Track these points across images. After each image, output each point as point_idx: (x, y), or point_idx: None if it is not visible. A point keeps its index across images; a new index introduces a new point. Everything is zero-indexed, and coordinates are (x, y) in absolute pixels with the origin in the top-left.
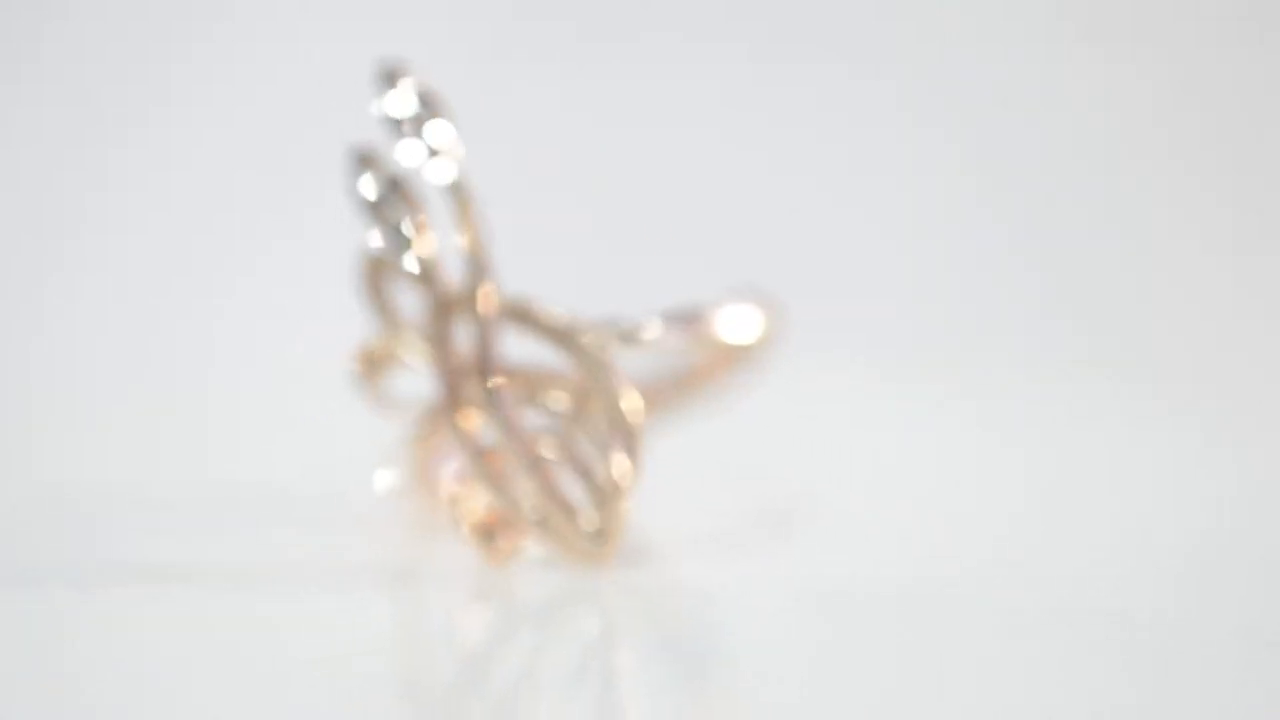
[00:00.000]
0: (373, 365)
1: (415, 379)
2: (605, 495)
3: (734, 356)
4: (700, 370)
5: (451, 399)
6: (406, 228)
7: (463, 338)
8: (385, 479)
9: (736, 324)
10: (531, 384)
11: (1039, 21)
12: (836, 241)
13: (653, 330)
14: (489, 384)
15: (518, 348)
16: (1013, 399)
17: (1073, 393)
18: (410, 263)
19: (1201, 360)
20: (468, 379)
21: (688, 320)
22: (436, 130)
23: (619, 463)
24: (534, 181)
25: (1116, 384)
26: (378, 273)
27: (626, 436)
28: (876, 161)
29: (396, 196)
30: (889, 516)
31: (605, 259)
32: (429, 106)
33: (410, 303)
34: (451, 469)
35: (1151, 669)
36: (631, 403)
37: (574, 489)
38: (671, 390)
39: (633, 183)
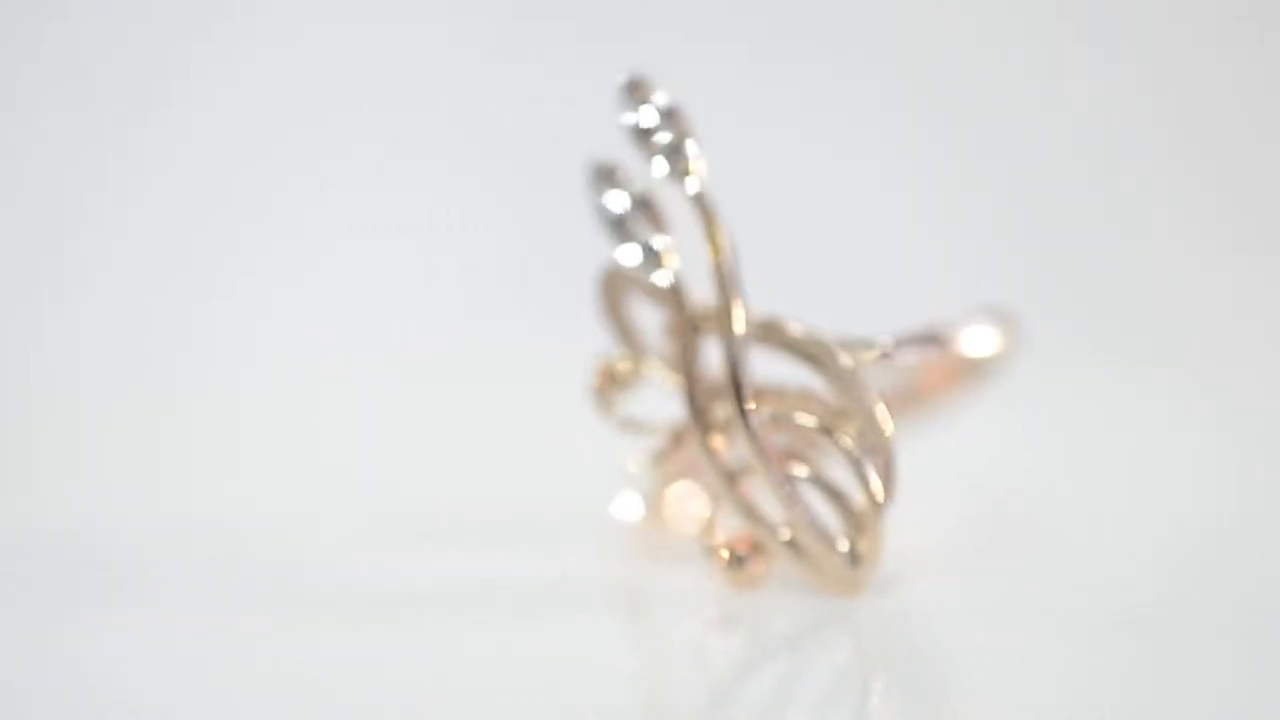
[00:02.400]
0: (613, 383)
1: (655, 398)
2: (862, 518)
3: (967, 373)
4: (931, 386)
5: (701, 420)
6: (656, 243)
7: (709, 357)
8: (629, 502)
9: (977, 344)
10: (781, 404)
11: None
12: (1054, 248)
13: (900, 350)
14: (742, 406)
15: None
16: (1254, 412)
17: None
18: (662, 279)
19: None
20: (718, 400)
21: (930, 340)
22: (684, 145)
23: (876, 485)
24: None
25: None
26: (616, 289)
27: (883, 458)
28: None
29: (643, 212)
30: (1126, 533)
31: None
32: (674, 120)
33: (648, 320)
34: (699, 492)
35: None
36: (889, 422)
37: (826, 511)
38: (902, 406)
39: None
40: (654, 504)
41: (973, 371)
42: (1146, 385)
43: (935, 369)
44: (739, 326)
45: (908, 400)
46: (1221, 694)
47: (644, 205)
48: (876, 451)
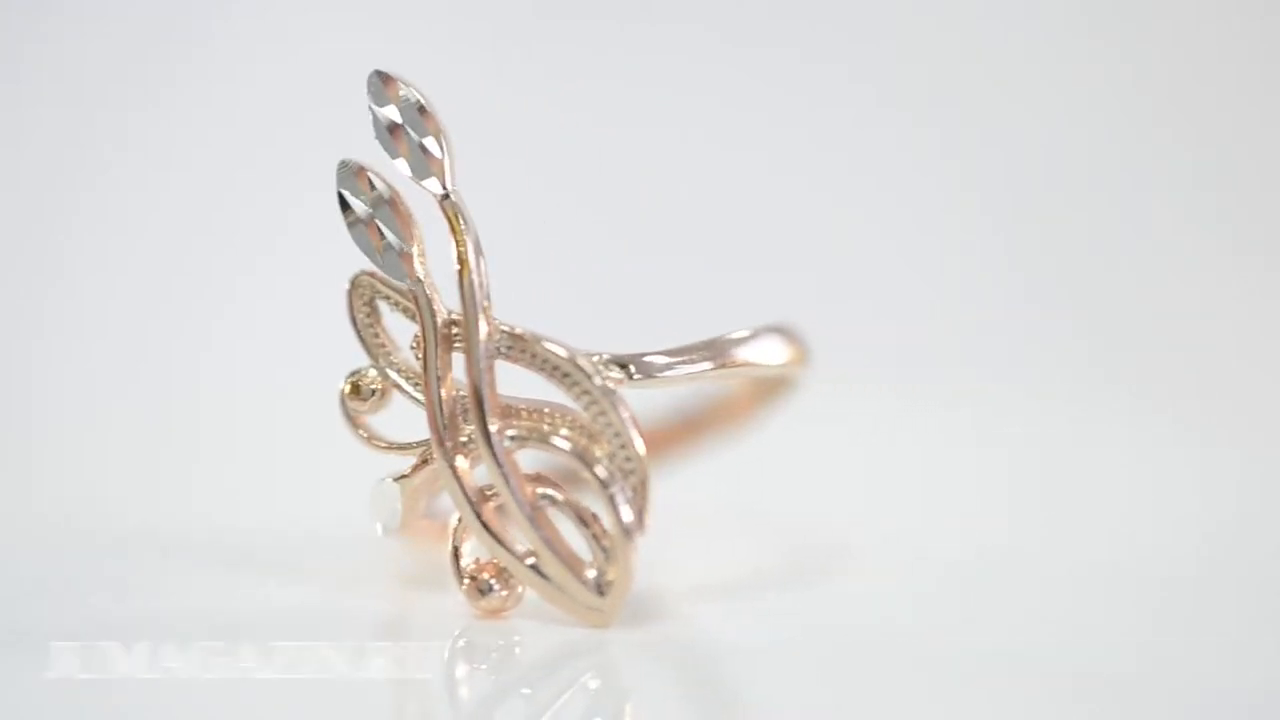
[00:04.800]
0: (361, 397)
1: (408, 412)
2: (612, 545)
3: (756, 391)
4: (716, 406)
5: (445, 438)
6: (402, 246)
7: (458, 369)
8: (381, 524)
9: (761, 357)
10: (533, 422)
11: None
12: (849, 262)
13: (667, 365)
14: (484, 423)
15: (516, 381)
16: (1061, 431)
17: (1127, 421)
18: (406, 285)
19: None
20: (464, 416)
21: (706, 354)
22: (430, 144)
23: (625, 511)
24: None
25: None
26: (365, 296)
27: (635, 481)
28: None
29: (389, 213)
30: (922, 564)
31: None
32: (423, 118)
33: (401, 330)
34: (450, 514)
35: None
36: (641, 444)
37: (577, 537)
38: (683, 428)
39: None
40: (409, 526)
41: (762, 391)
42: (950, 405)
43: (723, 388)
44: (482, 338)
45: (688, 422)
46: None
47: (392, 206)
48: (629, 475)
